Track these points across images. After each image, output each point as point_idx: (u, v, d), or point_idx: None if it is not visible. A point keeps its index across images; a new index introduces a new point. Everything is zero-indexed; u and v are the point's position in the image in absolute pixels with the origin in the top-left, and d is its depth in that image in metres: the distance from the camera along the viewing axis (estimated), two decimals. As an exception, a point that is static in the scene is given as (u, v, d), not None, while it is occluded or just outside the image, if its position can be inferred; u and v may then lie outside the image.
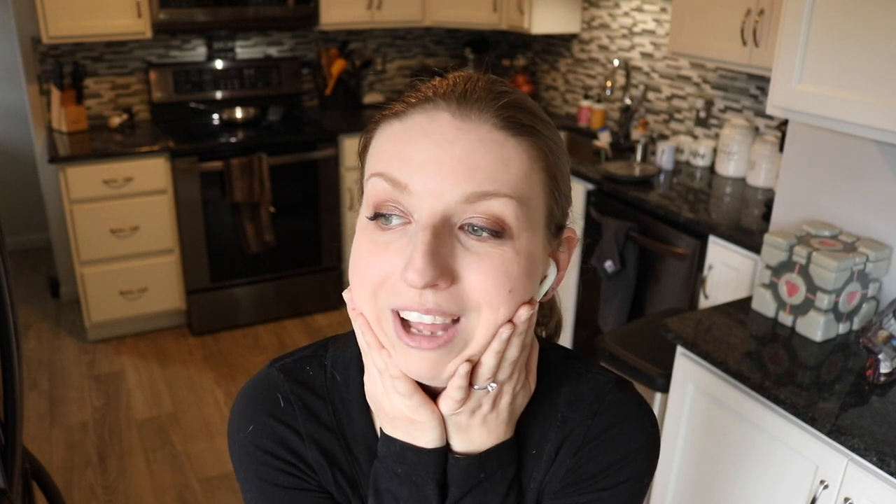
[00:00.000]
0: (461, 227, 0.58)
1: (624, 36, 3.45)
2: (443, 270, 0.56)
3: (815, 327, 1.71)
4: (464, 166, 0.57)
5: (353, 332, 0.75)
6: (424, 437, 0.65)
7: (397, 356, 0.61)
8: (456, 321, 0.59)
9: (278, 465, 0.70)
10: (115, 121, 3.48)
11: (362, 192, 0.65)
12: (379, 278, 0.59)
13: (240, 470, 0.72)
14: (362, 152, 0.65)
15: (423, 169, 0.57)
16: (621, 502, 0.70)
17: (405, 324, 0.59)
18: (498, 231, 0.58)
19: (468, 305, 0.58)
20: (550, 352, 0.75)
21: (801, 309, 1.74)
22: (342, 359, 0.74)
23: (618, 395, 0.72)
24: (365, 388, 0.68)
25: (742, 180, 2.86)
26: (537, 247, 0.62)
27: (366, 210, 0.61)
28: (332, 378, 0.73)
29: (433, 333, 0.59)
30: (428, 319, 0.58)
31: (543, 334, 0.83)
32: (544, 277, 0.66)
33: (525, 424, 0.71)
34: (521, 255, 0.59)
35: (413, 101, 0.61)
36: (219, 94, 3.70)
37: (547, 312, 0.82)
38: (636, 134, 3.28)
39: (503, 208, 0.58)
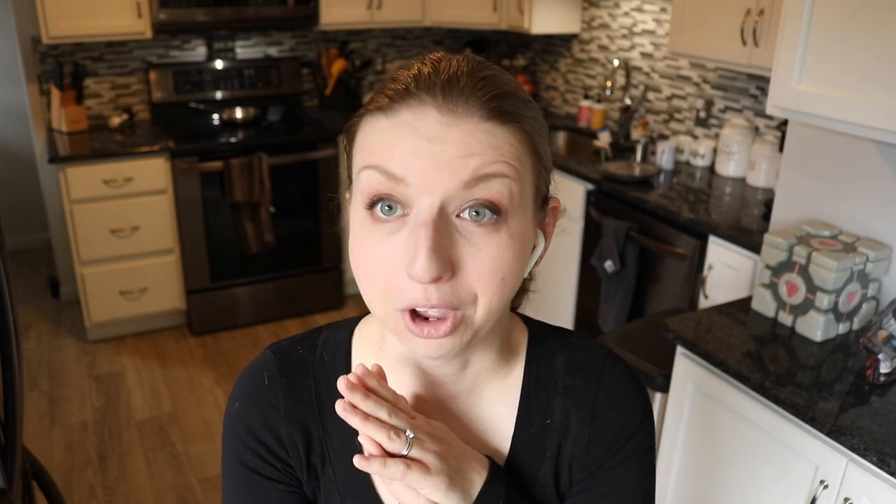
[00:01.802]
0: (458, 215, 0.59)
1: (624, 36, 3.45)
2: (445, 263, 0.58)
3: (815, 327, 1.71)
4: (459, 157, 0.58)
5: (347, 319, 0.78)
6: None
7: (406, 343, 0.63)
8: (455, 309, 0.61)
9: (250, 445, 0.72)
10: (115, 121, 3.48)
11: (350, 181, 0.66)
12: (385, 275, 0.60)
13: (223, 445, 0.75)
14: (349, 144, 0.66)
15: (418, 161, 0.58)
16: (643, 467, 0.74)
17: (412, 314, 0.61)
18: (495, 210, 0.59)
19: (466, 299, 0.60)
20: (539, 325, 0.78)
21: (801, 309, 1.74)
22: (333, 340, 0.76)
23: (617, 363, 0.76)
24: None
25: (742, 180, 2.86)
26: (528, 226, 0.64)
27: (361, 205, 0.61)
28: (320, 358, 0.75)
29: (438, 319, 0.61)
30: (435, 312, 0.60)
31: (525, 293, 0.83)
32: (534, 248, 0.68)
33: (527, 396, 0.73)
34: (515, 238, 0.61)
35: (396, 95, 0.60)
36: (219, 94, 3.70)
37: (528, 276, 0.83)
38: (636, 134, 3.28)
39: (500, 188, 0.59)
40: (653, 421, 0.76)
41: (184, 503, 2.47)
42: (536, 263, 0.69)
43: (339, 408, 0.63)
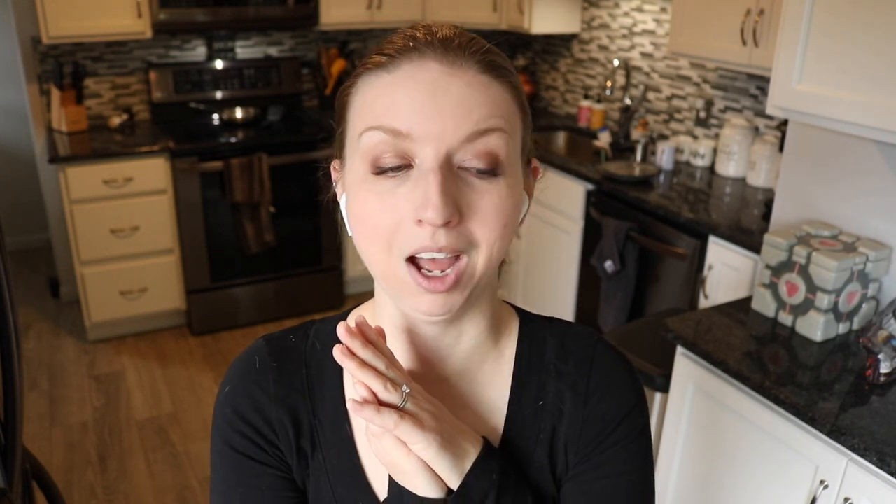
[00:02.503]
0: (460, 166, 0.61)
1: (624, 36, 3.45)
2: (454, 207, 0.60)
3: (815, 327, 1.71)
4: (461, 108, 0.60)
5: (339, 313, 0.79)
6: (419, 485, 0.65)
7: (408, 300, 0.64)
8: (457, 257, 0.62)
9: (239, 427, 0.72)
10: (115, 121, 3.48)
11: (342, 147, 0.67)
12: (392, 226, 0.61)
13: (212, 432, 0.75)
14: (342, 108, 0.67)
15: (422, 114, 0.59)
16: (637, 450, 0.74)
17: (418, 268, 0.62)
18: (495, 162, 0.62)
19: (471, 242, 0.62)
20: (528, 313, 0.79)
21: (801, 309, 1.74)
22: (325, 330, 0.77)
23: (608, 349, 0.77)
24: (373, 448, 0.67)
25: (742, 180, 2.86)
26: (520, 179, 0.66)
27: (363, 165, 0.62)
28: (312, 346, 0.76)
29: (443, 272, 0.62)
30: (441, 256, 0.61)
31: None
32: None
33: (520, 378, 0.74)
34: (512, 188, 0.63)
35: (395, 51, 0.62)
36: (219, 94, 3.70)
37: None
38: (636, 134, 3.28)
39: (498, 142, 0.61)
40: (646, 405, 0.76)
41: (184, 503, 2.47)
42: (521, 223, 0.70)
43: (337, 352, 0.62)
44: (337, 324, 0.76)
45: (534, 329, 0.77)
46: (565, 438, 0.73)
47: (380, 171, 0.61)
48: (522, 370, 0.74)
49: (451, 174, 0.60)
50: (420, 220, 0.59)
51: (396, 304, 0.68)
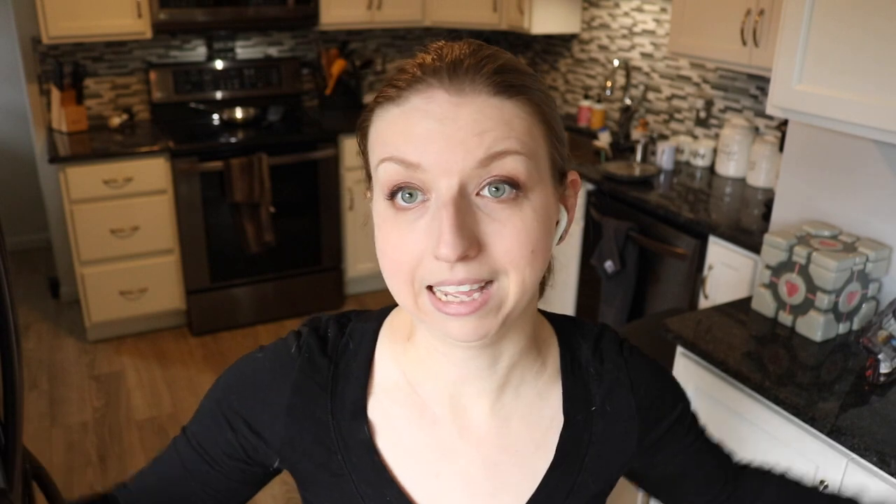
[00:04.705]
0: (478, 193, 0.59)
1: (624, 36, 3.45)
2: (470, 240, 0.58)
3: (815, 327, 1.71)
4: (471, 134, 0.58)
5: (378, 310, 0.78)
6: None
7: (438, 327, 0.62)
8: (488, 283, 0.61)
9: (231, 401, 0.76)
10: (115, 121, 3.48)
11: (370, 179, 0.66)
12: (412, 262, 0.60)
13: (228, 369, 0.78)
14: (362, 140, 0.67)
15: (432, 145, 0.58)
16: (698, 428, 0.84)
17: (439, 298, 0.61)
18: (514, 185, 0.59)
19: (497, 270, 0.60)
20: (557, 317, 0.80)
21: (801, 309, 1.74)
22: (360, 329, 0.76)
23: (634, 347, 0.81)
24: None
25: (742, 180, 2.86)
26: (549, 198, 0.63)
27: (382, 198, 0.62)
28: (345, 344, 0.75)
29: (469, 297, 0.60)
30: (464, 288, 0.60)
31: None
32: (557, 223, 0.67)
33: (567, 388, 0.75)
34: (538, 211, 0.61)
35: (404, 84, 0.61)
36: (219, 94, 3.70)
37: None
38: (636, 134, 3.28)
39: (516, 165, 0.59)
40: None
41: (184, 503, 2.47)
42: (561, 239, 0.69)
43: None
44: (373, 324, 0.76)
45: (569, 336, 0.78)
46: (623, 434, 0.77)
47: (397, 203, 0.60)
48: (568, 378, 0.75)
49: (467, 205, 0.59)
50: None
51: (430, 332, 0.67)
